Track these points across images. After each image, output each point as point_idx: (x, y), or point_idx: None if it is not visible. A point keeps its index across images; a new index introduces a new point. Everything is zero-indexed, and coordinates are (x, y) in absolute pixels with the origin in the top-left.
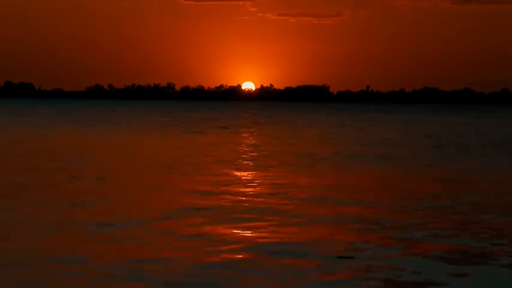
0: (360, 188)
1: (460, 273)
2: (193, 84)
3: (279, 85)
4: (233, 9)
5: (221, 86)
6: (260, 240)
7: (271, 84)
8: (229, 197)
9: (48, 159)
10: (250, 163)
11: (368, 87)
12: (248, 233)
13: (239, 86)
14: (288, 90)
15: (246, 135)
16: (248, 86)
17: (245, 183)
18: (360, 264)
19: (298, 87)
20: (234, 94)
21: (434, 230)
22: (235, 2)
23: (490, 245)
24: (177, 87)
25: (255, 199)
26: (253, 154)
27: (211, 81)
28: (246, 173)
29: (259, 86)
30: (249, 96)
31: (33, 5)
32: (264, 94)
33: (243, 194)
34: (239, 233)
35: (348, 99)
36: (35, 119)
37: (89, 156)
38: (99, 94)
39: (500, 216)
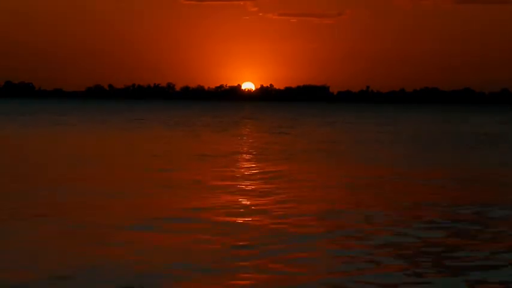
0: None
1: None
2: (193, 84)
3: (279, 85)
4: (233, 9)
5: (221, 86)
6: None
7: (271, 84)
8: None
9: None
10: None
11: (368, 87)
12: None
13: (239, 86)
14: (288, 90)
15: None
16: (248, 86)
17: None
18: None
19: (298, 87)
20: (234, 94)
21: None
22: (236, 2)
23: None
24: (177, 87)
25: None
26: None
27: (211, 81)
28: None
29: (259, 86)
30: (249, 96)
31: (33, 5)
32: (264, 94)
33: None
34: None
35: (348, 99)
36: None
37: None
38: (99, 94)
39: None
